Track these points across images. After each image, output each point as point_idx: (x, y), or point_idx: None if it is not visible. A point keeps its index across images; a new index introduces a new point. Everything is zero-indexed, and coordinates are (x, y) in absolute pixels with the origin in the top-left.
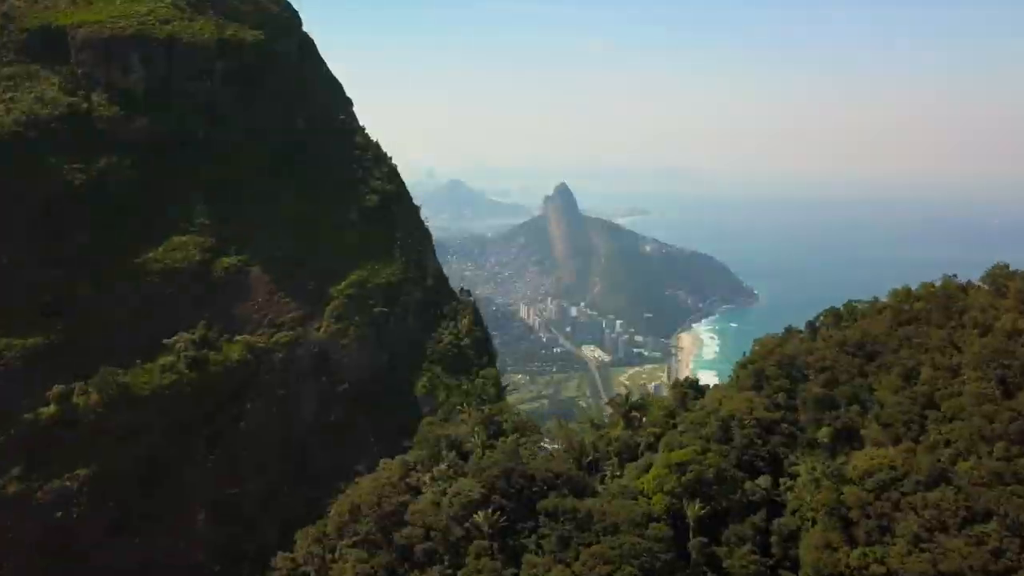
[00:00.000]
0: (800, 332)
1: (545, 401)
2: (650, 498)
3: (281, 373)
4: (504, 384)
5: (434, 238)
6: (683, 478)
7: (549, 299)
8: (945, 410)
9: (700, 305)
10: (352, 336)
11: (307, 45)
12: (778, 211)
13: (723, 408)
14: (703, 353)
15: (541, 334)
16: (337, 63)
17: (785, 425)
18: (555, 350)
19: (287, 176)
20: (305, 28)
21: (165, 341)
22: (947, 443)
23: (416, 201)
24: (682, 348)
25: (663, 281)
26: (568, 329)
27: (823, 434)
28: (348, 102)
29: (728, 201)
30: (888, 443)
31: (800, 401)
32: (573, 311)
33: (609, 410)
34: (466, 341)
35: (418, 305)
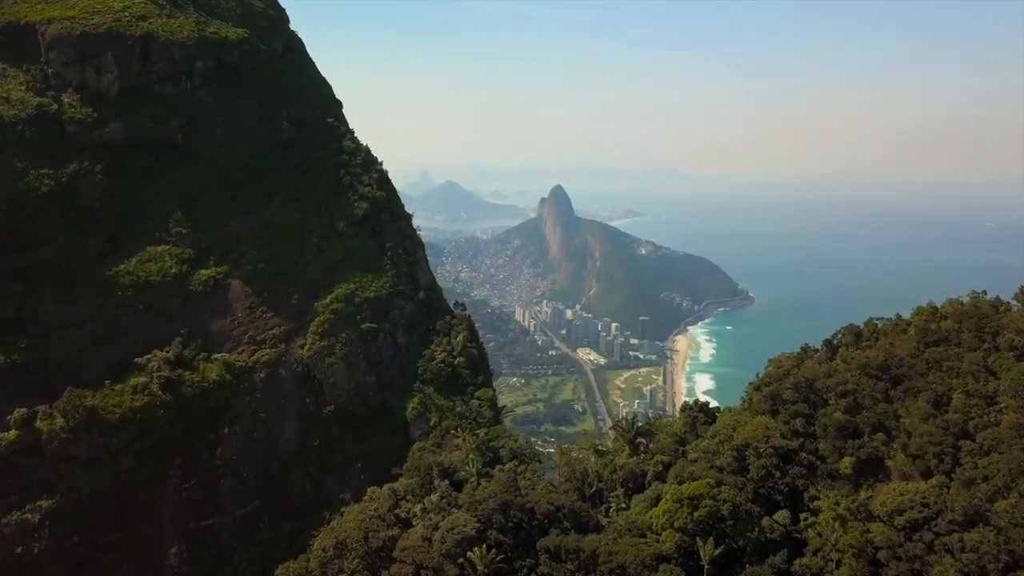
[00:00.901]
0: (817, 351)
1: (541, 404)
2: (659, 535)
3: (262, 394)
4: (501, 406)
5: (429, 240)
6: (696, 514)
7: (544, 301)
8: (980, 441)
9: (695, 308)
10: (338, 354)
11: (295, 44)
12: (773, 212)
13: (737, 435)
14: (699, 356)
15: (536, 337)
16: (330, 63)
17: (804, 454)
18: (551, 353)
19: (270, 183)
20: (294, 26)
21: (137, 360)
22: (984, 478)
23: (411, 203)
24: (678, 351)
25: (659, 283)
26: (563, 332)
27: (845, 464)
28: (338, 104)
29: (722, 202)
30: (917, 476)
31: (820, 428)
32: (568, 313)
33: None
34: (460, 359)
35: (409, 320)
